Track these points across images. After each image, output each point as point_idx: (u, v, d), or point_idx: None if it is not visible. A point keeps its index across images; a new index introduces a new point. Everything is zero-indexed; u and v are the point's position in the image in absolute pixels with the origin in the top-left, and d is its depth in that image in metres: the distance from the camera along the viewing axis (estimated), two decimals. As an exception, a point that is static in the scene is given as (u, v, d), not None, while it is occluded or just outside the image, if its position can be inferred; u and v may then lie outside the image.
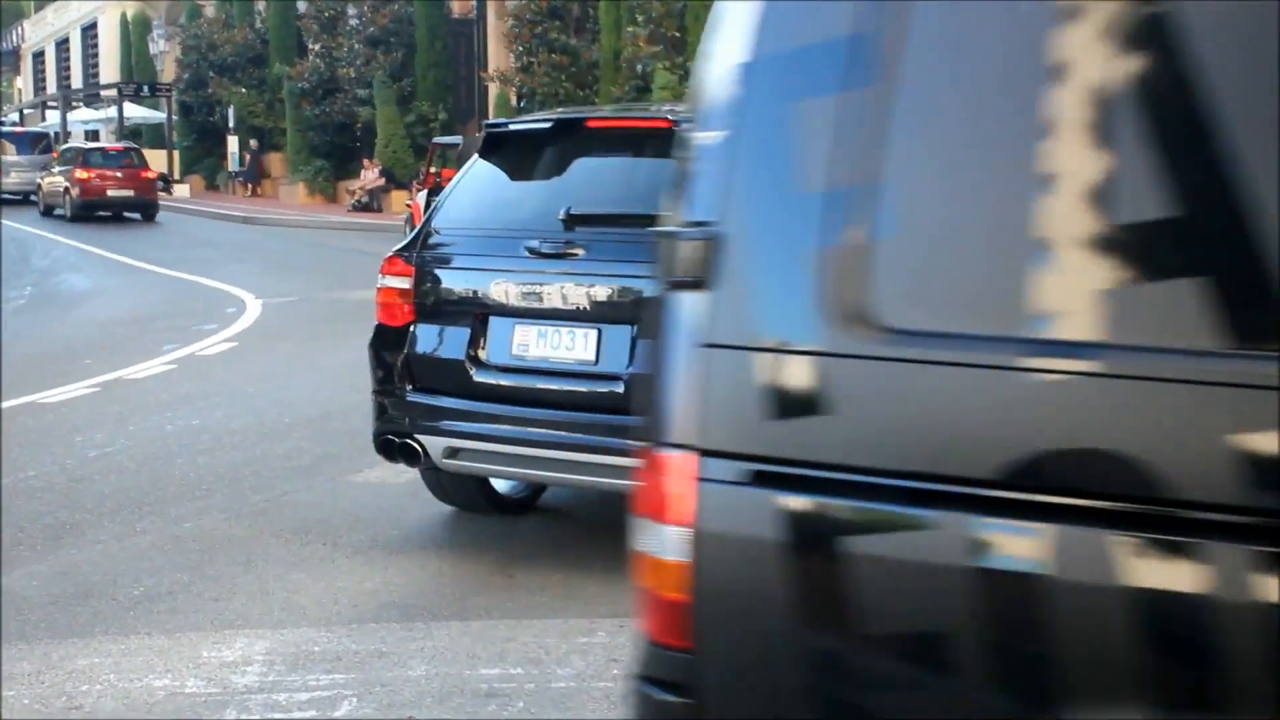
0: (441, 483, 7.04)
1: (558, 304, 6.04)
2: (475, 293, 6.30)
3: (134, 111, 52.47)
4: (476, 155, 6.84)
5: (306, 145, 43.92)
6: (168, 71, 51.95)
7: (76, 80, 63.85)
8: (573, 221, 6.12)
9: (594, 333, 6.00)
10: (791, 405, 2.30)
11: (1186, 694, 2.03)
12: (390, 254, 6.65)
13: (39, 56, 71.06)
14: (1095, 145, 2.08)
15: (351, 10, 42.25)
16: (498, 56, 38.00)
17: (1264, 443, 1.97)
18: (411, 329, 6.47)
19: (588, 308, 5.98)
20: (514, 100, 35.45)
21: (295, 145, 44.23)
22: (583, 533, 7.02)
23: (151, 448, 8.99)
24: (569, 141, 6.65)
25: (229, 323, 15.84)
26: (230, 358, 13.13)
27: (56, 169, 38.13)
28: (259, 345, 13.93)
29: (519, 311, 6.15)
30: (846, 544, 2.25)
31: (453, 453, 6.28)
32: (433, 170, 30.44)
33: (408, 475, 7.62)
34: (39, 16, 69.90)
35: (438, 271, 6.47)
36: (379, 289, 6.62)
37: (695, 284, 2.45)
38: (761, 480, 2.33)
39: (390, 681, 4.97)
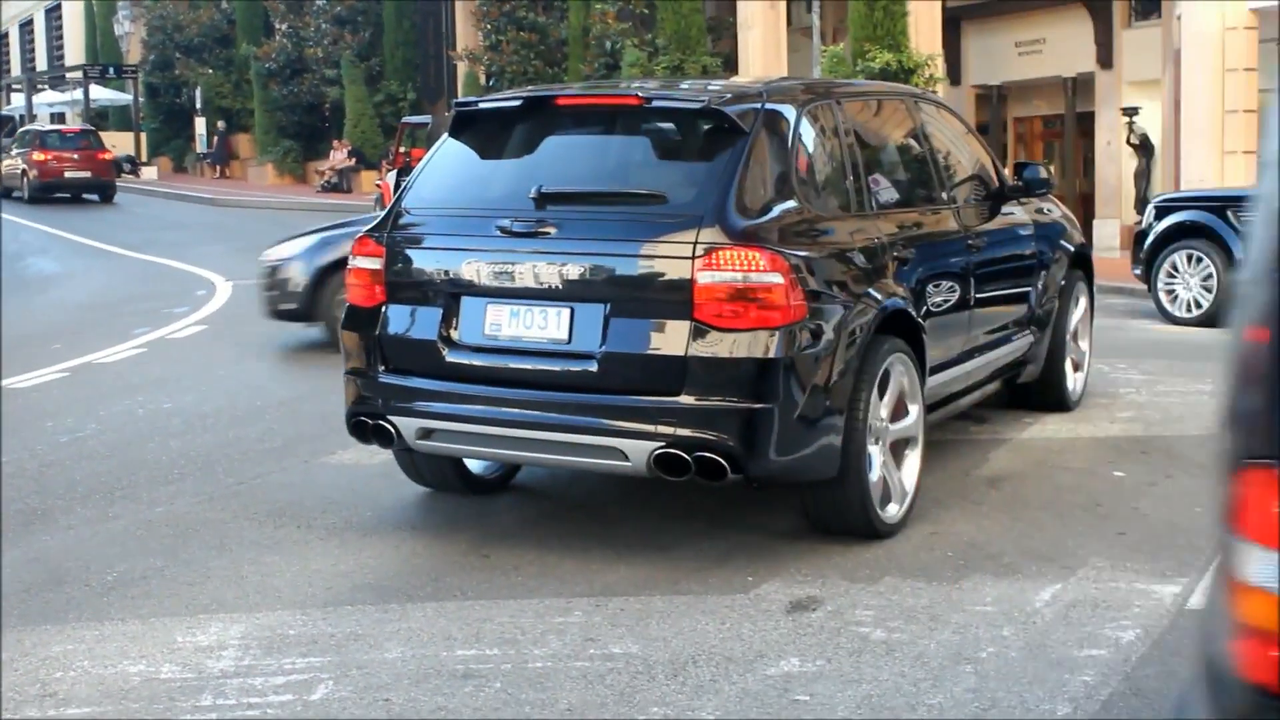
0: (415, 464, 7.02)
1: (530, 283, 6.02)
2: (447, 272, 6.28)
3: (100, 94, 52.12)
4: (446, 134, 6.81)
5: (274, 126, 43.72)
6: (133, 53, 51.62)
7: (41, 63, 63.37)
8: (544, 200, 6.11)
9: (567, 311, 5.98)
10: None
11: None
12: (361, 234, 6.62)
13: (2, 39, 70.48)
14: None
15: (318, -11, 41.93)
16: (466, 35, 37.87)
17: None
18: (383, 310, 6.44)
19: (560, 286, 5.96)
20: (483, 79, 35.34)
21: (263, 126, 44.04)
22: (557, 512, 7.02)
23: (123, 432, 8.94)
24: (539, 119, 6.63)
25: (199, 305, 15.78)
26: (201, 341, 13.07)
27: (15, 151, 37.94)
28: (229, 328, 13.87)
29: (491, 291, 6.13)
30: None
31: (426, 433, 6.26)
32: (402, 150, 30.35)
33: (381, 456, 7.60)
34: (1, -2, 69.33)
35: (409, 252, 6.45)
36: (350, 270, 6.60)
37: None
38: None
39: (366, 664, 4.96)
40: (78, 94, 52.00)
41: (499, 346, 6.13)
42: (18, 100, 58.01)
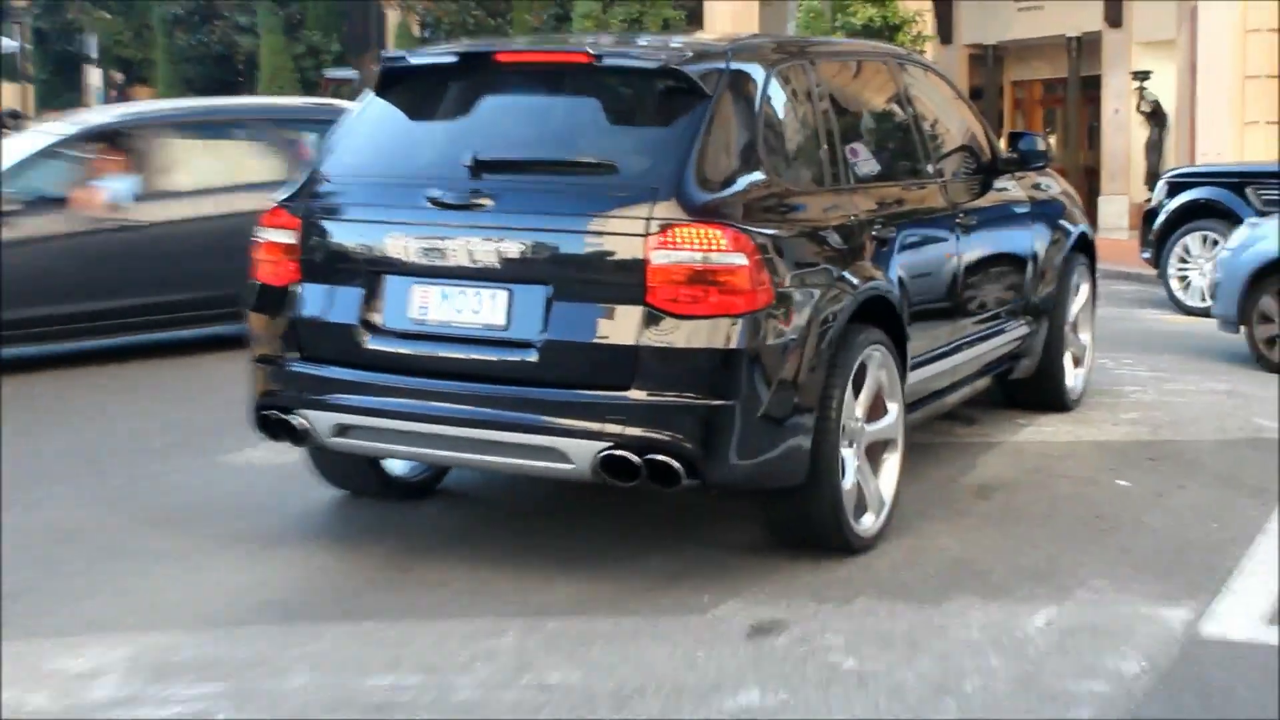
0: (329, 464, 6.99)
1: (463, 261, 5.98)
2: (369, 248, 6.23)
3: (-19, 39, 51.67)
4: (372, 92, 6.76)
5: (180, 79, 43.39)
6: (21, -7, 51.14)
7: (-85, 3, 62.80)
8: (480, 168, 6.07)
9: (504, 294, 5.95)
10: None
11: None
12: (273, 203, 6.56)
13: None
14: None
15: (232, -75, 41.72)
16: (398, -21, 37.70)
17: None
18: (296, 289, 6.39)
19: (497, 266, 5.92)
20: (416, 29, 35.26)
21: (167, 79, 43.71)
22: (489, 521, 6.99)
23: (-2, 424, 8.87)
24: (477, 78, 6.59)
25: (90, 281, 15.63)
26: (91, 321, 12.94)
27: None
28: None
29: (419, 270, 6.09)
30: None
31: (342, 430, 6.22)
32: (324, 108, 30.11)
33: (291, 456, 7.53)
34: None
35: (326, 224, 6.40)
36: (259, 243, 6.55)
37: None
38: None
39: (268, 692, 4.91)
40: (-44, 39, 51.55)
41: (427, 333, 6.09)
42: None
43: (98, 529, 6.77)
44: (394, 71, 6.73)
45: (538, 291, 5.90)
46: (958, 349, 7.67)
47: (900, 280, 6.76)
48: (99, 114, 13.66)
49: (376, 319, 6.19)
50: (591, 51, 6.29)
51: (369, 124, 6.73)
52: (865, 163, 7.12)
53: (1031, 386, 9.04)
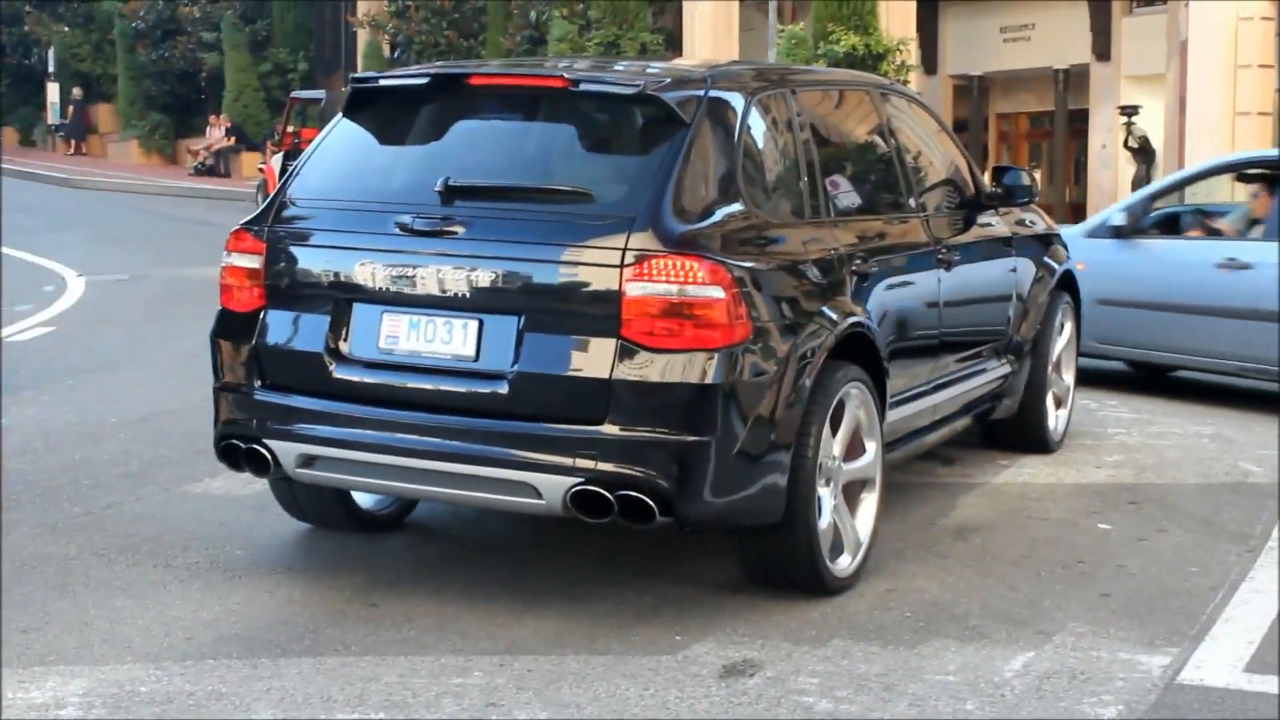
0: (294, 496, 6.99)
1: (433, 290, 6.02)
2: (337, 275, 6.26)
3: (-65, 52, 51.56)
4: (341, 114, 6.80)
5: (141, 96, 43.42)
6: (-24, 5, 51.08)
7: None
8: (452, 194, 6.10)
9: (474, 324, 5.99)
10: None
11: None
12: (238, 227, 6.59)
13: None
14: None
15: (197, -61, 41.73)
16: (369, -2, 37.75)
17: None
18: (261, 316, 6.42)
19: (468, 295, 5.97)
20: (387, 50, 35.31)
21: (128, 96, 43.73)
22: (458, 555, 7.01)
23: (-49, 450, 8.85)
24: (449, 101, 6.63)
25: (46, 304, 15.64)
26: (46, 345, 12.96)
27: None
28: (81, 331, 13.76)
29: (388, 298, 6.13)
30: None
31: (308, 461, 6.24)
32: (290, 130, 30.28)
33: (255, 486, 7.56)
34: None
35: (293, 249, 6.43)
36: (224, 268, 6.57)
37: None
38: None
39: (230, 728, 4.93)
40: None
41: (395, 362, 6.12)
42: None
43: (54, 558, 6.77)
44: (364, 93, 6.75)
45: (509, 322, 5.94)
46: (938, 388, 7.74)
47: (880, 316, 6.82)
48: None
49: (343, 347, 6.22)
50: (567, 76, 6.34)
51: (338, 146, 6.75)
52: (846, 195, 7.19)
53: (1013, 427, 9.11)
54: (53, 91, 47.73)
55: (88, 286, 17.07)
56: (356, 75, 6.93)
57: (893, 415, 6.97)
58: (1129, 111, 25.14)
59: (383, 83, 6.77)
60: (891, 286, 7.03)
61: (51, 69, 47.53)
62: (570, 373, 5.83)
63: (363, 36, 36.87)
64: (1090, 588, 6.67)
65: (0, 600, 6.14)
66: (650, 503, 5.71)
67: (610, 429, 5.73)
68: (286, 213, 6.52)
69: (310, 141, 7.46)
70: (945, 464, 8.85)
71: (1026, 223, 9.07)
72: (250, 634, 5.85)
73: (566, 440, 5.77)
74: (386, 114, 6.76)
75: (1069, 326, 9.53)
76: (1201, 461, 9.28)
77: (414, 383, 6.07)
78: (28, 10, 47.32)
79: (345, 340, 6.22)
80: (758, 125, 6.54)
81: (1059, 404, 9.45)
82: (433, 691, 5.28)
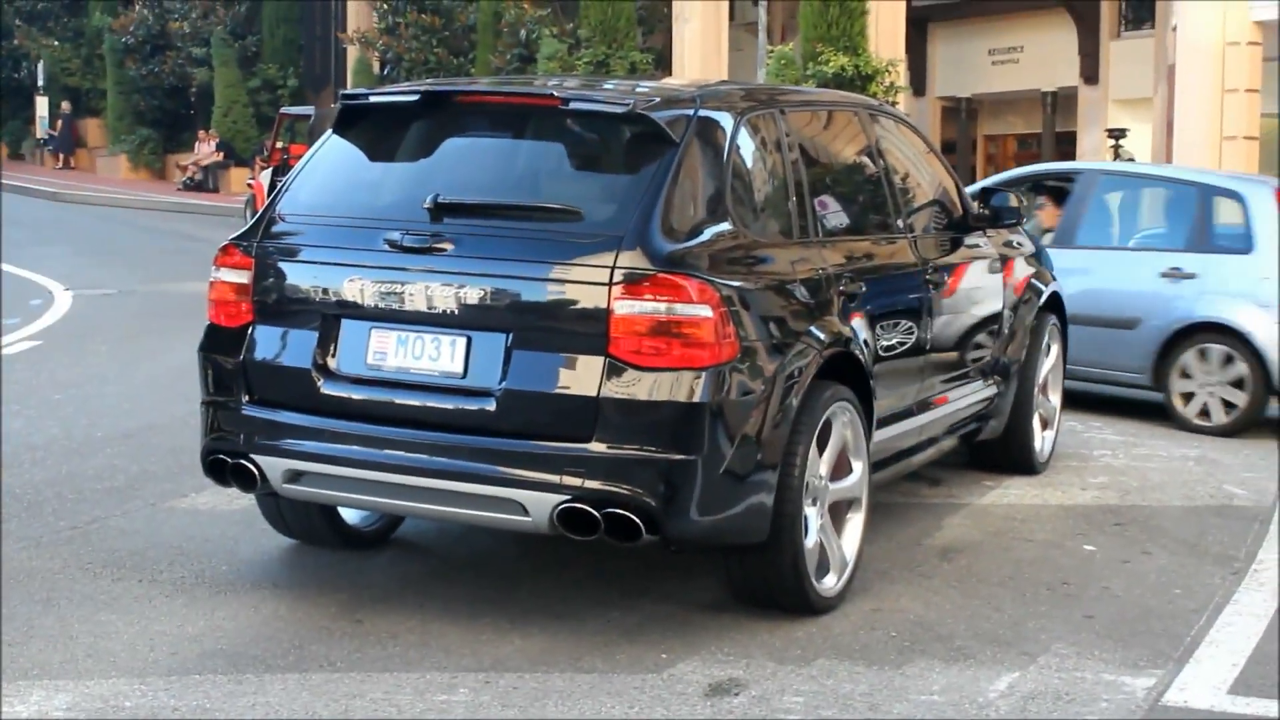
0: (281, 511, 6.99)
1: (421, 306, 6.02)
2: (325, 291, 6.27)
3: (-76, 65, 51.53)
4: (331, 130, 6.81)
5: (130, 111, 43.40)
6: (-35, 18, 51.06)
7: None
8: (441, 211, 6.11)
9: (463, 341, 6.00)
10: None
11: None
12: (226, 242, 6.60)
13: None
14: None
15: (188, -46, 41.73)
16: (359, 14, 37.85)
17: None
18: (249, 331, 6.42)
19: (456, 311, 5.98)
20: (377, 67, 35.31)
21: (117, 110, 43.70)
22: (444, 572, 7.01)
23: (-64, 463, 8.83)
24: (439, 118, 6.65)
25: (32, 317, 15.62)
26: (33, 359, 12.94)
27: None
28: (68, 345, 13.75)
29: (376, 314, 6.13)
30: None
31: (294, 476, 6.24)
32: (280, 145, 30.30)
33: (241, 502, 7.56)
34: None
35: (282, 265, 6.44)
36: (212, 283, 6.57)
37: None
38: None
39: (214, 743, 4.93)
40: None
41: (383, 379, 6.13)
42: None
43: (39, 573, 6.76)
44: (354, 109, 6.77)
45: (497, 339, 5.95)
46: (925, 408, 7.75)
47: (867, 336, 6.84)
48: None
49: (331, 363, 6.23)
50: (557, 94, 6.36)
51: (327, 162, 6.75)
52: (834, 215, 7.21)
53: (999, 448, 9.13)
54: (42, 105, 47.71)
55: (75, 301, 17.05)
56: (346, 92, 6.94)
57: (879, 435, 6.98)
58: (1116, 134, 25.19)
59: (372, 99, 6.78)
60: (879, 307, 7.04)
61: (41, 83, 47.52)
62: (558, 390, 5.83)
63: (352, 53, 36.88)
64: (1075, 609, 6.69)
65: (0, 612, 6.13)
66: (637, 521, 5.71)
67: (597, 447, 5.74)
68: (275, 228, 6.52)
69: (299, 158, 7.48)
70: (931, 484, 8.86)
71: (1013, 244, 9.09)
72: (235, 650, 5.85)
73: (554, 458, 5.77)
74: (376, 131, 6.77)
75: (1055, 348, 9.55)
76: (1186, 484, 9.31)
77: (402, 399, 6.07)
78: (17, 24, 47.30)
79: (333, 356, 6.22)
80: (747, 145, 6.55)
81: (1045, 425, 9.47)
82: (418, 708, 5.27)
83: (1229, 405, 11.30)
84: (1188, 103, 21.01)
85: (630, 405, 5.73)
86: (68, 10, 47.25)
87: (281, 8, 40.89)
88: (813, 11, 23.54)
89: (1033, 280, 9.15)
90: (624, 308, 5.73)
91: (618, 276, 5.75)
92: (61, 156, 46.47)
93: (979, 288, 8.49)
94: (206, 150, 40.03)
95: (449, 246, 6.01)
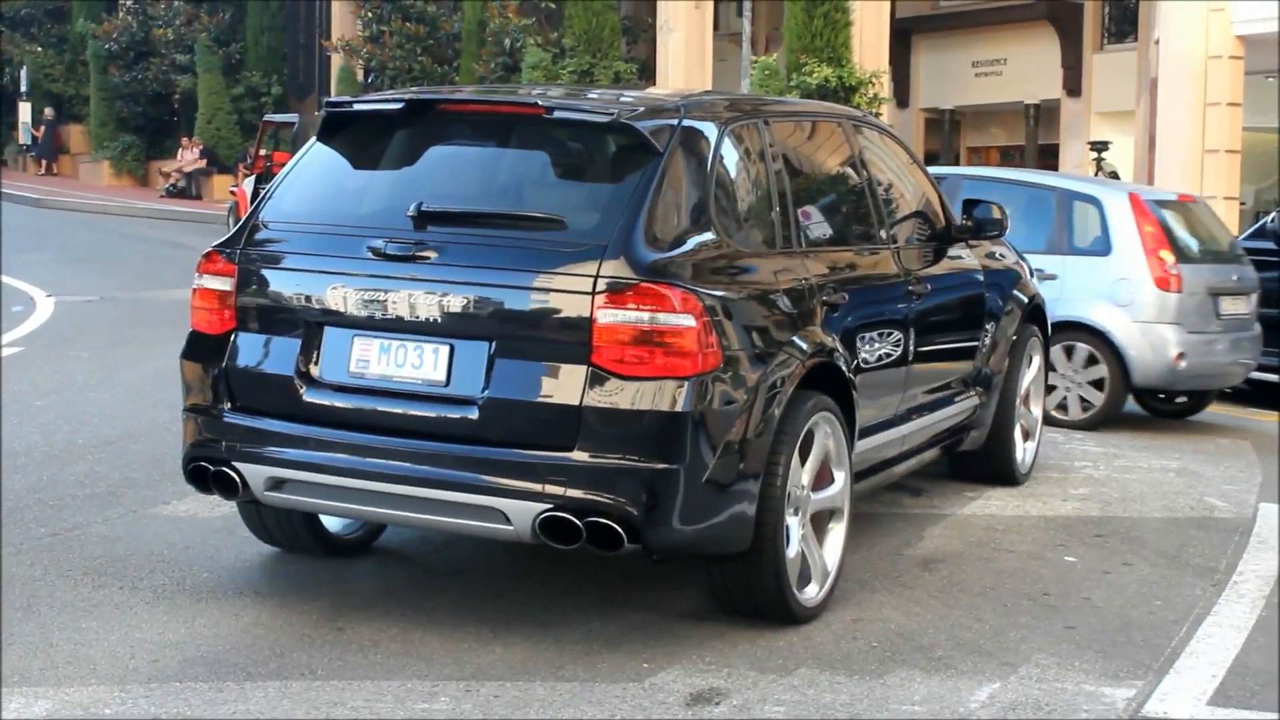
0: (262, 519, 6.98)
1: (404, 314, 6.02)
2: (308, 298, 6.27)
3: (-94, 70, 51.41)
4: (315, 138, 6.81)
5: (113, 117, 43.32)
6: (-51, 24, 50.97)
7: None
8: (424, 219, 6.11)
9: (445, 349, 6.00)
10: None
11: None
12: (209, 249, 6.59)
13: None
14: None
15: (172, -39, 41.67)
16: (343, 23, 37.81)
17: None
18: (232, 338, 6.42)
19: (439, 320, 5.98)
20: (361, 74, 35.28)
21: (100, 117, 43.62)
22: (425, 581, 7.01)
23: (-84, 469, 8.81)
24: (423, 126, 6.65)
25: (14, 324, 15.58)
26: (14, 366, 12.90)
27: None
28: (49, 352, 13.72)
29: (359, 322, 6.13)
30: None
31: (276, 484, 6.24)
32: (263, 153, 30.25)
33: (223, 509, 7.55)
34: None
35: (265, 272, 6.43)
36: (195, 290, 6.56)
37: None
38: None
39: (194, 750, 4.92)
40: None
41: (366, 386, 6.12)
42: None
43: (19, 580, 6.75)
44: (338, 117, 6.77)
45: (480, 348, 5.95)
46: (907, 419, 7.76)
47: (850, 347, 6.85)
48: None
49: (314, 371, 6.22)
50: (542, 103, 6.36)
51: (311, 170, 6.75)
52: (818, 226, 7.22)
53: (980, 459, 9.15)
54: (25, 111, 47.61)
55: (57, 307, 17.01)
56: (330, 99, 6.94)
57: (861, 445, 6.99)
58: (1099, 147, 25.26)
59: (356, 107, 6.78)
60: (862, 317, 7.06)
61: (24, 89, 47.42)
62: (540, 399, 5.84)
63: (336, 61, 36.85)
64: (1056, 620, 6.70)
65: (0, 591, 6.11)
66: (619, 530, 5.71)
67: (580, 455, 5.74)
68: (259, 236, 6.52)
69: (282, 165, 7.47)
70: (913, 495, 8.88)
71: (996, 256, 9.12)
72: (216, 657, 5.84)
73: (536, 466, 5.77)
74: (360, 138, 6.77)
75: (1037, 359, 9.58)
76: (1167, 496, 9.33)
77: (384, 407, 6.07)
78: (1, 30, 47.21)
79: (316, 364, 6.22)
80: (730, 155, 6.56)
81: (1027, 436, 9.49)
82: (399, 716, 5.27)
83: (1086, 403, 11.81)
84: (1170, 115, 21.08)
85: (613, 414, 5.74)
86: (51, 16, 47.16)
87: (266, 15, 40.83)
88: (797, 22, 23.58)
89: (1015, 292, 9.17)
90: (607, 317, 5.74)
91: (601, 285, 5.75)
92: (44, 162, 46.38)
93: (961, 299, 8.51)
94: (189, 157, 39.98)
95: (432, 255, 6.01)
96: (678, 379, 5.73)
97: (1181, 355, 11.71)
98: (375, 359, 6.11)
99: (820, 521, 6.61)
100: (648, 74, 29.39)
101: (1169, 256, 11.79)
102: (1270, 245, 14.43)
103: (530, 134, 6.51)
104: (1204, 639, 6.51)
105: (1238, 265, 12.77)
